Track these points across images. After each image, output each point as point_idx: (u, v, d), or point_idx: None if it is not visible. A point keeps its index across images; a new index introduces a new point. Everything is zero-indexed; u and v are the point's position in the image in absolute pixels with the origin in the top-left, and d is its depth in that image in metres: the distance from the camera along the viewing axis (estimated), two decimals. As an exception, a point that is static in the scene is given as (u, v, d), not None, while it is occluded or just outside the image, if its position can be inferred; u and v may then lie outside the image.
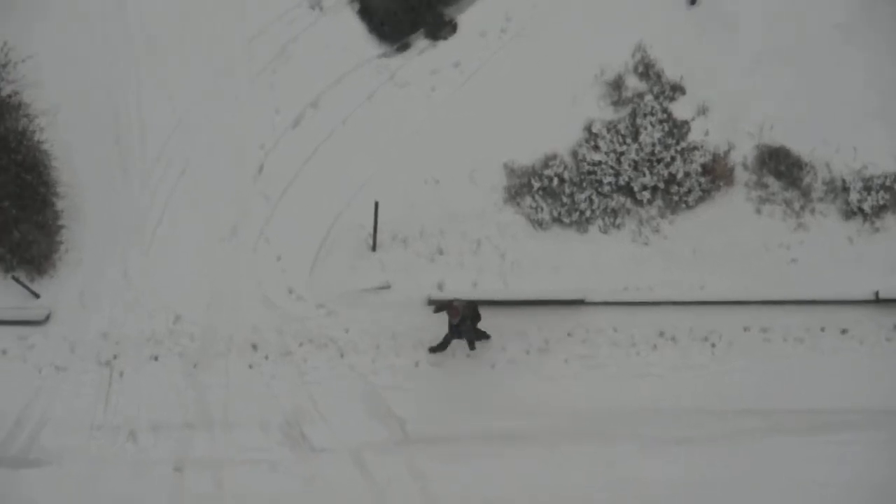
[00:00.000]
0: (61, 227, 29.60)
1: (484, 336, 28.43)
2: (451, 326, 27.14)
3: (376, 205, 28.17)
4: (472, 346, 27.88)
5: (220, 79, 31.60)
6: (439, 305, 26.85)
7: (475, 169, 31.02)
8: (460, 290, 29.44)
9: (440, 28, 32.70)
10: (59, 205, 29.79)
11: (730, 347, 29.58)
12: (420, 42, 32.69)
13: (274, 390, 28.52)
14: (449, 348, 28.23)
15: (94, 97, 30.99)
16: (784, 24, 32.14)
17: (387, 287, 29.78)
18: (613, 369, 29.32)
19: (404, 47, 32.62)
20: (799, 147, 30.63)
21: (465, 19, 32.86)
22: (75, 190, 30.40)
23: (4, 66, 29.50)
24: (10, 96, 29.38)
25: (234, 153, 30.89)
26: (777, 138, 30.78)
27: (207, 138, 30.94)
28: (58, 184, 29.84)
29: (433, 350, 28.48)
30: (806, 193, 30.67)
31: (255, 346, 29.14)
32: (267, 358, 29.09)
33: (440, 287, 29.64)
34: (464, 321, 27.02)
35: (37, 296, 28.96)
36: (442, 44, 32.56)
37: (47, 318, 28.99)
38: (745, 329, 28.41)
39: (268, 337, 29.21)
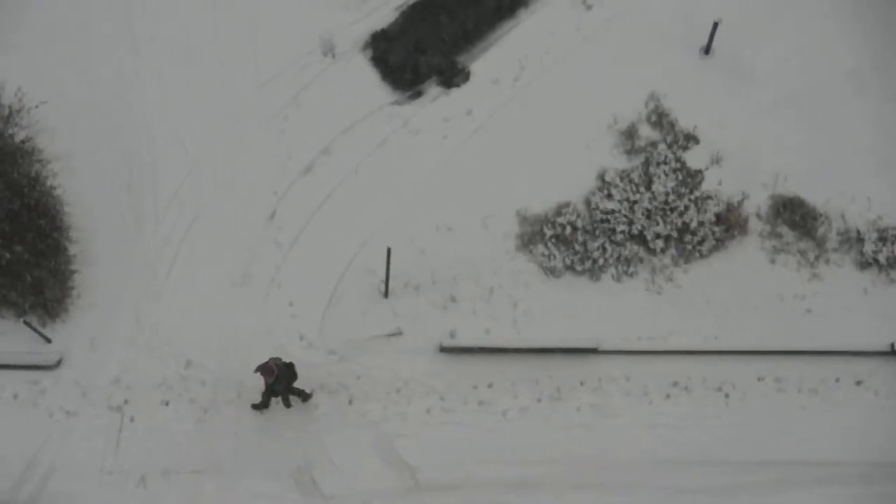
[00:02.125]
0: (73, 271, 31.78)
1: (305, 395, 30.18)
2: (266, 385, 27.47)
3: (388, 251, 30.27)
4: (286, 404, 29.29)
5: (232, 125, 33.71)
6: (259, 366, 26.99)
7: (488, 216, 32.87)
8: (473, 337, 31.84)
9: (453, 76, 34.75)
10: (72, 249, 31.92)
11: (744, 398, 30.40)
12: (433, 89, 34.61)
13: (285, 436, 29.39)
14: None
15: (107, 143, 33.14)
16: (797, 73, 33.70)
17: (399, 334, 31.83)
18: (626, 418, 30.52)
19: (417, 95, 34.55)
20: (813, 197, 31.78)
21: (478, 67, 34.91)
22: (88, 235, 32.41)
23: (18, 111, 32.18)
24: (23, 142, 31.98)
25: (247, 199, 32.72)
26: (791, 188, 31.94)
27: (220, 184, 32.98)
28: (70, 229, 32.04)
29: (255, 407, 29.30)
30: (821, 244, 31.64)
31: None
32: (277, 404, 30.18)
33: (452, 335, 31.90)
34: (278, 380, 28.76)
35: (48, 340, 31.07)
36: (455, 91, 34.36)
37: (59, 362, 30.51)
38: (760, 379, 29.91)
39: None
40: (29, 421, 29.12)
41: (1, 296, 30.72)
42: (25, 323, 30.15)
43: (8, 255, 30.35)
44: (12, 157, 31.31)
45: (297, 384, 28.07)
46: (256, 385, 30.67)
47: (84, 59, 32.49)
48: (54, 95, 32.15)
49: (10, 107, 31.95)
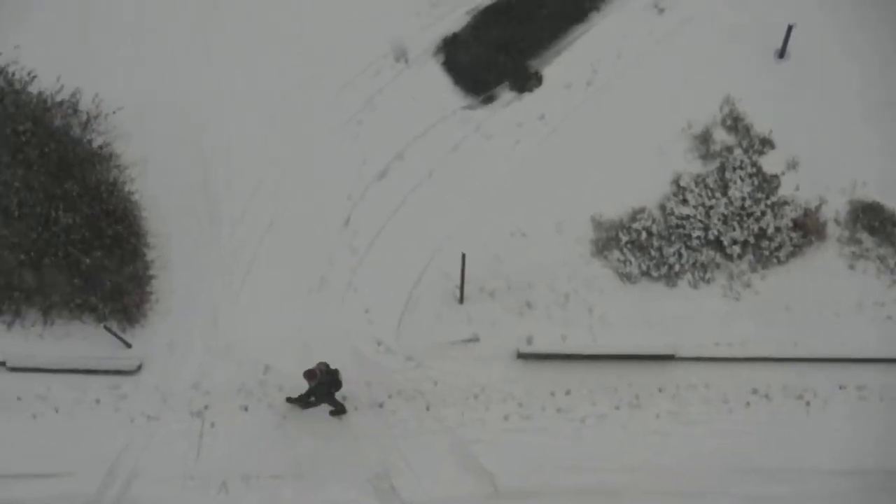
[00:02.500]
0: (151, 277, 32.37)
1: (340, 409, 30.26)
2: (308, 389, 27.68)
3: (463, 257, 30.69)
4: (312, 405, 29.24)
5: (307, 130, 33.80)
6: (306, 370, 27.27)
7: (562, 222, 32.69)
8: (549, 343, 32.23)
9: (526, 80, 34.83)
10: (150, 255, 32.46)
11: (825, 406, 30.00)
12: (505, 94, 34.71)
13: (363, 442, 29.55)
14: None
15: (183, 148, 33.32)
16: (873, 77, 33.19)
17: (475, 340, 32.14)
18: (705, 426, 29.88)
19: (489, 99, 34.65)
20: (893, 203, 31.42)
21: (551, 71, 35.03)
22: (165, 240, 32.80)
23: (96, 117, 33.03)
24: (101, 147, 32.82)
25: (322, 204, 32.67)
26: (870, 194, 31.67)
27: (294, 189, 32.88)
28: (148, 234, 32.65)
29: (298, 403, 29.84)
30: None
31: (344, 398, 31.11)
32: (356, 409, 30.29)
33: (529, 341, 32.22)
34: (319, 385, 28.83)
35: (128, 345, 31.68)
36: (527, 96, 34.31)
37: (139, 367, 30.68)
38: (841, 387, 29.81)
39: (356, 388, 30.45)
40: (111, 426, 29.46)
41: (81, 301, 31.43)
42: (106, 328, 30.74)
43: (87, 261, 30.98)
44: (90, 163, 32.00)
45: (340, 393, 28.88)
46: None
47: (160, 64, 33.14)
48: (131, 101, 32.80)
49: (87, 113, 32.74)
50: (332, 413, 29.12)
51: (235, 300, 32.02)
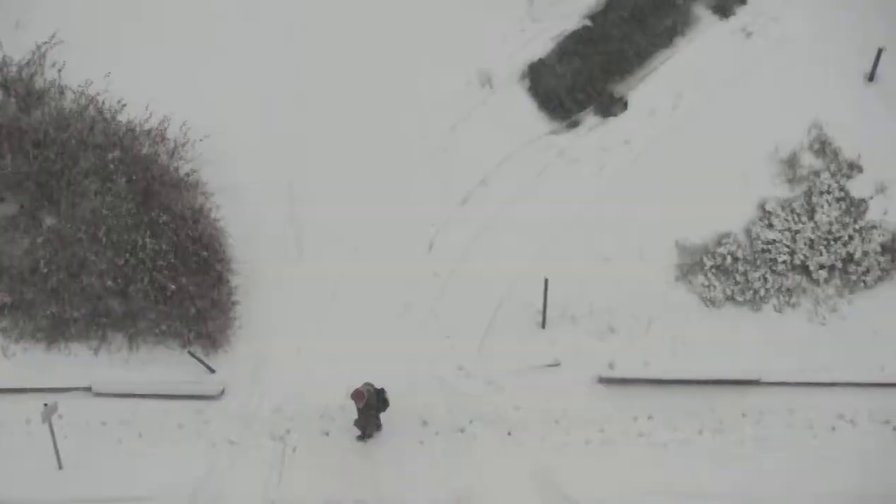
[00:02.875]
0: (236, 302, 32.72)
1: (379, 426, 29.65)
2: (358, 410, 28.13)
3: (546, 282, 30.88)
4: (368, 436, 29.47)
5: (390, 156, 33.73)
6: (353, 391, 27.67)
7: (646, 246, 32.45)
8: (631, 368, 32.20)
9: (610, 105, 34.91)
10: (234, 281, 32.98)
11: None
12: (590, 119, 34.81)
13: (443, 467, 29.27)
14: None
15: (270, 175, 33.61)
16: None
17: (556, 365, 32.24)
18: (789, 451, 29.56)
19: (574, 124, 34.72)
20: None
21: (636, 96, 35.02)
22: (250, 266, 33.42)
23: (183, 145, 33.73)
24: (188, 175, 33.52)
25: (405, 230, 32.78)
26: None
27: (379, 216, 32.79)
28: (233, 260, 33.18)
29: (360, 438, 29.97)
30: None
31: (425, 423, 31.36)
32: (437, 434, 29.91)
33: (611, 366, 32.26)
34: (368, 406, 28.81)
35: (212, 370, 32.10)
36: (612, 121, 34.36)
37: (222, 392, 30.80)
38: (929, 413, 27.76)
39: (437, 413, 30.33)
40: (193, 450, 29.68)
41: (166, 327, 31.89)
42: (190, 353, 31.30)
43: (173, 287, 31.51)
44: (177, 190, 32.71)
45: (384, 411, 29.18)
46: (417, 415, 31.56)
47: (248, 94, 33.59)
48: (218, 129, 33.10)
49: (175, 140, 33.45)
50: (360, 438, 29.28)
51: (318, 326, 32.10)
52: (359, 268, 32.25)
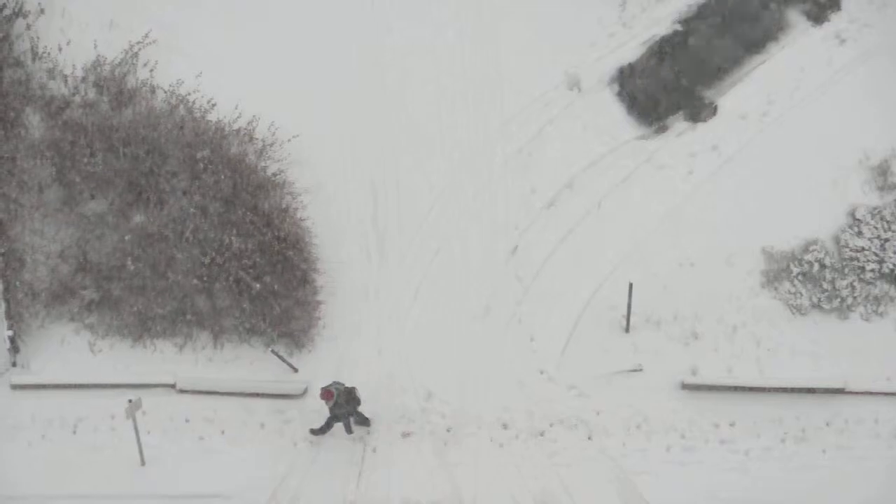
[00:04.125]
0: (320, 302, 33.05)
1: (364, 421, 30.33)
2: (330, 409, 28.33)
3: (630, 286, 31.06)
4: (348, 430, 29.84)
5: (477, 159, 33.99)
6: (321, 390, 28.04)
7: (732, 253, 32.57)
8: (715, 375, 32.33)
9: (700, 110, 34.79)
10: (319, 281, 33.26)
11: None
12: (679, 124, 34.73)
13: (523, 471, 29.58)
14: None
15: (355, 176, 34.01)
16: None
17: (639, 370, 32.16)
18: (874, 461, 29.70)
19: (662, 129, 34.67)
20: None
21: (726, 102, 34.85)
22: (334, 266, 33.72)
23: (271, 145, 34.34)
24: (275, 174, 34.11)
25: (489, 233, 33.02)
26: None
27: (462, 218, 33.30)
28: (318, 260, 33.51)
29: (314, 432, 30.05)
30: None
31: (505, 426, 31.67)
32: (517, 438, 30.33)
33: (694, 372, 32.38)
34: (337, 405, 29.05)
35: (295, 370, 32.48)
36: (701, 126, 34.39)
37: (304, 392, 31.22)
38: None
39: (518, 417, 30.63)
40: (275, 449, 30.30)
41: (250, 325, 32.30)
42: (273, 352, 31.80)
43: (258, 286, 32.16)
44: (264, 190, 33.34)
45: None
46: (497, 418, 31.77)
47: (334, 94, 33.93)
48: (306, 129, 33.38)
49: (263, 140, 34.10)
50: (357, 424, 29.71)
51: (400, 327, 32.41)
52: (441, 270, 32.65)
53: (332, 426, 29.39)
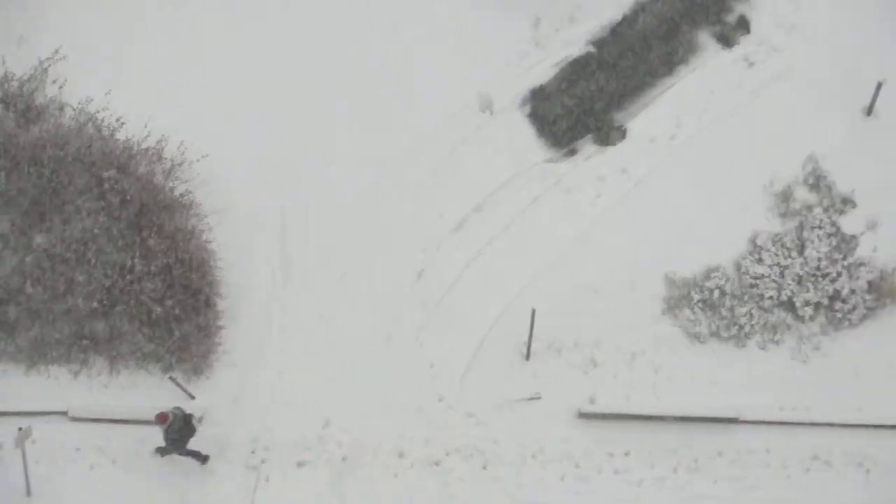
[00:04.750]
0: (220, 327, 32.13)
1: (199, 456, 30.02)
2: (164, 434, 27.93)
3: (533, 313, 30.96)
4: (161, 454, 29.51)
5: (385, 181, 33.71)
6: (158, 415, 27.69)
7: (636, 278, 32.49)
8: (613, 403, 32.06)
9: (609, 133, 34.81)
10: (221, 305, 32.53)
11: (884, 475, 29.83)
12: (588, 147, 34.78)
13: (417, 501, 29.79)
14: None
15: (264, 198, 33.51)
16: None
17: (538, 398, 31.82)
18: (763, 492, 30.12)
19: (572, 152, 34.72)
20: None
21: (636, 125, 34.94)
22: (238, 291, 32.93)
23: (179, 164, 34.38)
24: (182, 195, 33.88)
25: (396, 257, 32.75)
26: None
27: (369, 242, 33.21)
28: (221, 284, 32.96)
29: (160, 450, 29.78)
30: None
31: (401, 455, 31.12)
32: (412, 467, 30.34)
33: (592, 400, 31.89)
34: (170, 429, 28.08)
35: (192, 397, 31.14)
36: (610, 150, 34.49)
37: (200, 419, 30.38)
38: (904, 456, 27.50)
39: (415, 445, 30.68)
40: (167, 477, 30.00)
41: (149, 350, 31.25)
42: (171, 379, 30.86)
43: (159, 310, 32.21)
44: (170, 211, 33.12)
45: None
46: (394, 447, 31.52)
47: (247, 116, 33.98)
48: (216, 150, 33.15)
49: (171, 160, 33.87)
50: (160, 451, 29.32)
51: (302, 353, 31.84)
52: (346, 295, 32.50)
53: (173, 450, 29.13)
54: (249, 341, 32.72)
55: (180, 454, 29.16)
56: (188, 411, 28.58)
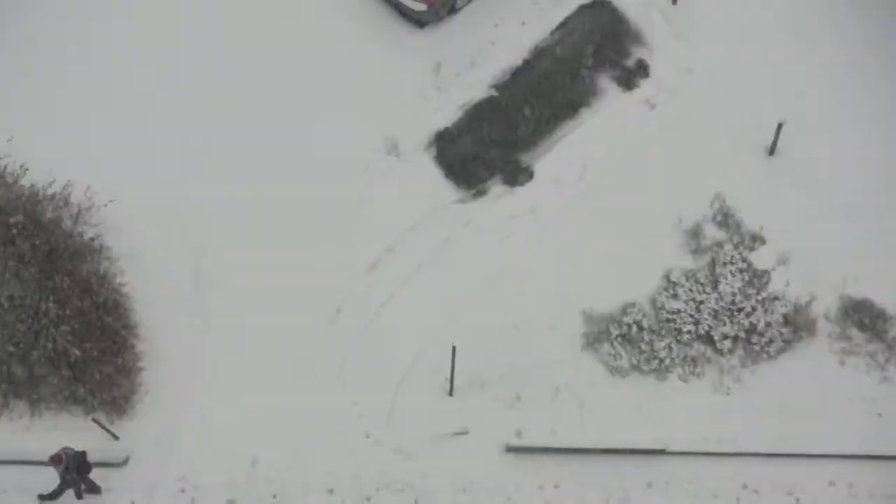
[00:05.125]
0: (141, 369, 32.62)
1: (95, 489, 30.13)
2: (60, 475, 28.01)
3: (454, 349, 31.21)
4: (78, 496, 29.85)
5: (295, 223, 33.60)
6: (50, 456, 27.69)
7: (553, 315, 32.44)
8: (539, 437, 32.09)
9: (517, 175, 34.98)
10: (140, 347, 32.90)
11: (815, 503, 30.18)
12: (497, 188, 34.81)
13: None
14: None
15: (174, 241, 33.22)
16: (862, 173, 33.70)
17: (464, 433, 31.66)
18: None
19: (481, 193, 34.73)
20: (883, 299, 32.16)
21: (542, 166, 35.06)
22: (155, 332, 33.10)
23: (87, 209, 34.14)
24: (92, 239, 33.89)
25: (312, 297, 32.65)
26: (861, 290, 32.18)
27: (283, 283, 32.68)
28: (138, 326, 33.34)
29: (42, 498, 29.79)
30: (891, 346, 31.87)
31: (331, 491, 31.43)
32: (343, 503, 30.20)
33: (518, 434, 31.98)
34: (67, 470, 28.21)
35: (116, 438, 31.79)
36: (519, 190, 34.56)
37: (126, 460, 30.56)
38: (831, 483, 30.35)
39: (344, 482, 30.64)
40: (96, 517, 28.76)
41: (70, 392, 31.00)
42: (94, 420, 31.40)
43: (77, 353, 31.96)
44: (81, 256, 32.92)
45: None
46: (323, 483, 31.56)
47: (153, 158, 34.16)
48: (124, 194, 33.03)
49: (79, 205, 33.69)
50: (86, 492, 29.84)
51: (224, 393, 31.67)
52: (265, 334, 32.28)
53: (63, 491, 29.03)
54: (172, 381, 32.51)
55: (80, 490, 29.27)
56: (78, 449, 28.61)
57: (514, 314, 32.61)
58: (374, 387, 31.89)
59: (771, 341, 32.26)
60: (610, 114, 35.44)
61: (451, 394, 31.89)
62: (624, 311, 32.76)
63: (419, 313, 32.58)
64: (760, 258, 33.27)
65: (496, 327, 32.48)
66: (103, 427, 30.60)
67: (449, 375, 30.95)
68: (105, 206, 32.82)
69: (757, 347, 32.25)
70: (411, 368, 32.18)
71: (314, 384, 32.02)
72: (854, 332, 32.01)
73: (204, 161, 34.03)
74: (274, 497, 30.53)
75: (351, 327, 32.78)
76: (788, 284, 32.76)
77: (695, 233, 33.57)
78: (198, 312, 33.04)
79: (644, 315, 32.87)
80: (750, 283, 32.69)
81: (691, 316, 33.00)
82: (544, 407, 31.99)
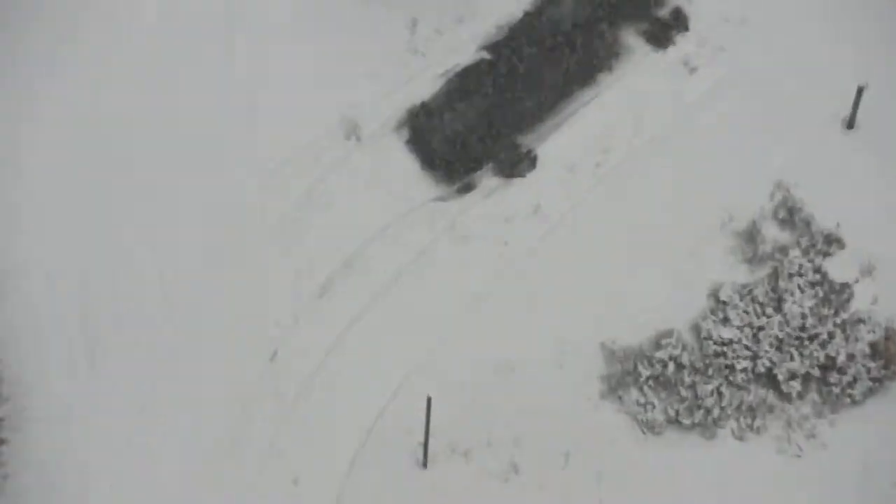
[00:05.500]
0: (3, 441, 27.81)
1: None
2: None
3: (429, 402, 26.09)
4: None
5: (224, 234, 29.30)
6: None
7: (563, 351, 28.22)
8: None
9: (515, 162, 30.81)
10: (1, 411, 28.02)
11: None
12: (489, 180, 30.42)
13: None
14: None
15: (58, 263, 28.93)
16: None
17: None
18: None
19: (468, 188, 30.46)
20: None
21: (548, 150, 30.50)
22: (23, 389, 28.50)
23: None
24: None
25: (240, 334, 28.33)
26: None
27: (204, 317, 28.82)
28: (2, 382, 28.16)
29: None
30: None
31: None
32: None
33: None
34: None
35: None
36: (517, 182, 30.21)
37: None
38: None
39: None
40: None
41: None
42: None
43: None
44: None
45: None
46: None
47: (47, 190, 29.70)
48: None
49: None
50: None
51: (117, 470, 27.00)
52: (173, 388, 27.69)
53: None
54: (46, 457, 27.21)
55: None
56: None
57: (510, 350, 28.18)
58: (319, 458, 27.40)
59: (855, 380, 27.62)
60: (637, 79, 30.81)
61: (424, 465, 27.53)
62: (657, 344, 28.32)
63: (383, 353, 28.12)
64: (839, 266, 28.81)
65: (486, 368, 28.11)
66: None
67: (423, 439, 27.04)
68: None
69: (836, 389, 27.68)
70: (371, 431, 27.89)
71: (239, 454, 27.10)
72: (965, 363, 27.32)
73: (103, 158, 30.39)
74: None
75: (292, 373, 28.27)
76: (876, 302, 27.71)
77: (750, 235, 29.05)
78: (85, 360, 28.25)
79: (684, 348, 28.38)
80: (825, 301, 27.86)
81: (747, 348, 28.44)
82: (550, 480, 26.95)
